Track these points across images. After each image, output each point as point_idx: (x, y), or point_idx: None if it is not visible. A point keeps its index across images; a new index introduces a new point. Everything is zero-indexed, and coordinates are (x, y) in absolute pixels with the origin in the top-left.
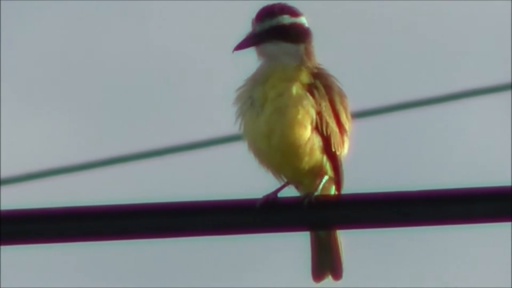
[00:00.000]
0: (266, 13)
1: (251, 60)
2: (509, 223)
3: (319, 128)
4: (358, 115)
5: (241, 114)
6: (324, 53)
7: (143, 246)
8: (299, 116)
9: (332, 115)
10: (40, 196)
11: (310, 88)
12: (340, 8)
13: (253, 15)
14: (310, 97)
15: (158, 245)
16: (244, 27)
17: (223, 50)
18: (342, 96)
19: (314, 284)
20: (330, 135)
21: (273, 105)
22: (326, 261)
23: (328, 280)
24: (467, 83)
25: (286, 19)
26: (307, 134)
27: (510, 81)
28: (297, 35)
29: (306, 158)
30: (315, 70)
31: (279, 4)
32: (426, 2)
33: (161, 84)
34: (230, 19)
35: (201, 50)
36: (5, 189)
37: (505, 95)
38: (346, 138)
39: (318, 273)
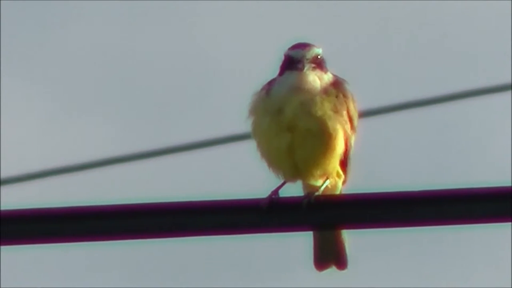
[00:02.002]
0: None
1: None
2: (509, 223)
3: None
4: (362, 114)
5: (258, 122)
6: (332, 53)
7: (143, 246)
8: (333, 148)
9: (347, 120)
10: (40, 196)
11: (335, 105)
12: (341, 7)
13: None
14: (339, 120)
15: (157, 245)
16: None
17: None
18: (354, 99)
19: (317, 272)
20: (347, 141)
21: (305, 130)
22: (329, 250)
23: (332, 269)
24: (468, 83)
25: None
26: (337, 158)
27: (510, 81)
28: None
29: (326, 170)
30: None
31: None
32: (435, 2)
33: (170, 86)
34: (271, 24)
35: (229, 52)
36: (5, 189)
37: (505, 95)
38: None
39: (320, 262)
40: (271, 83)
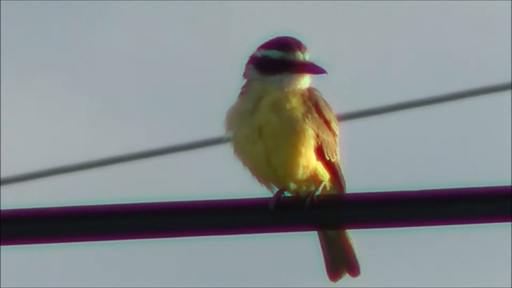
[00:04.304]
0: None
1: None
2: (509, 223)
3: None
4: (359, 114)
5: (236, 138)
6: (332, 53)
7: (143, 246)
8: (303, 146)
9: (322, 123)
10: (40, 196)
11: (305, 108)
12: (340, 7)
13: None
14: (309, 120)
15: (156, 245)
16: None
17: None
18: (327, 104)
19: (331, 284)
20: (321, 144)
21: (274, 131)
22: (339, 259)
23: (346, 277)
24: (468, 83)
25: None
26: (309, 157)
27: (510, 81)
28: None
29: (302, 171)
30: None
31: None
32: (435, 2)
33: (177, 84)
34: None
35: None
36: (5, 189)
37: (505, 95)
38: (337, 144)
39: (333, 272)
40: (247, 87)
